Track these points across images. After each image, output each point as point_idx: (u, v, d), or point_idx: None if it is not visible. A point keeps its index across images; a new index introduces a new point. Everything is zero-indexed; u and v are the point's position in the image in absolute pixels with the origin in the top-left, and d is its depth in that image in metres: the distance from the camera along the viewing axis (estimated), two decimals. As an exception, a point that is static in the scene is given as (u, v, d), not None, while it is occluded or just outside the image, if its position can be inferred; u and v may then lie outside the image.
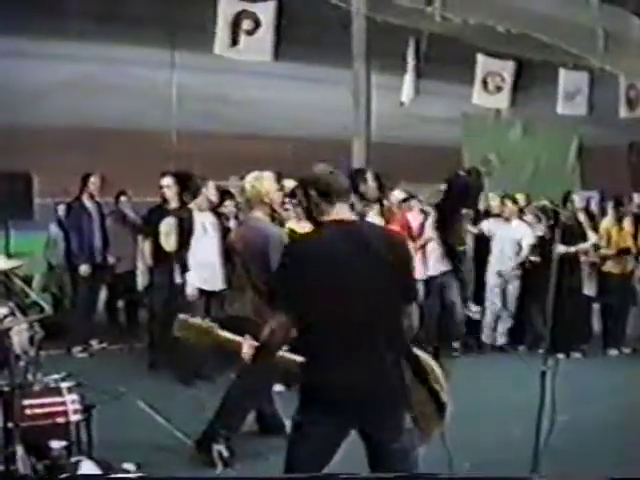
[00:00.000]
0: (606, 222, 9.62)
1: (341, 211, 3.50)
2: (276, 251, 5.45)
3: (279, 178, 8.34)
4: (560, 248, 8.91)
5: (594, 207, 11.92)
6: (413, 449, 3.50)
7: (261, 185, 5.65)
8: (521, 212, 9.69)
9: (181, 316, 3.79)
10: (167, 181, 8.19)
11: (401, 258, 3.51)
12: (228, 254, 6.01)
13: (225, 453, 5.45)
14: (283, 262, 3.49)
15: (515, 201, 9.79)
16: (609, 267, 9.33)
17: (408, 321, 3.54)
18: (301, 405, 3.48)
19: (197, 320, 3.79)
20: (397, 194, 8.82)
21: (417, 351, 3.56)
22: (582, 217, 9.54)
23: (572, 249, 8.95)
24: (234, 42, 11.17)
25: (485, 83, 13.55)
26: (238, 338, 3.64)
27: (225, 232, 8.14)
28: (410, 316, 3.57)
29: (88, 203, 9.01)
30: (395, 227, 8.28)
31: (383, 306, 3.41)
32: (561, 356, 7.97)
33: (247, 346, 3.56)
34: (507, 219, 9.54)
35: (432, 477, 3.33)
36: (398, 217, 8.56)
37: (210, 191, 8.19)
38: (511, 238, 9.40)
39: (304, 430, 3.47)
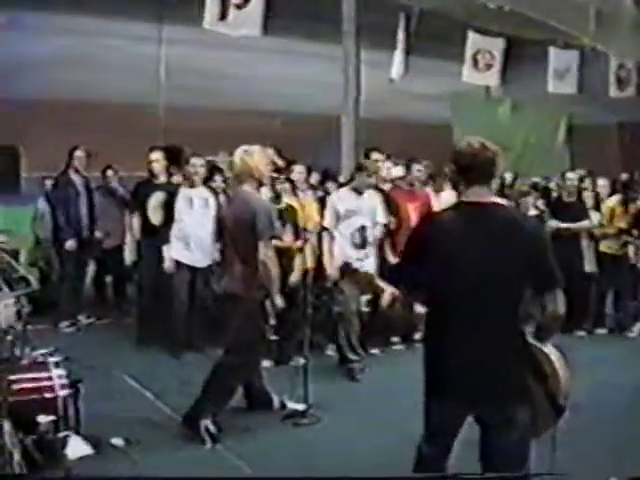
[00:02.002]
0: (611, 201, 9.58)
1: (480, 192, 3.43)
2: (264, 224, 5.45)
3: (279, 153, 8.38)
4: (552, 223, 8.96)
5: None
6: (525, 443, 3.47)
7: (251, 159, 5.61)
8: (502, 191, 9.62)
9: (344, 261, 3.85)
10: (156, 155, 8.15)
11: (536, 244, 3.41)
12: (220, 230, 5.90)
13: (212, 429, 5.45)
14: (410, 238, 3.52)
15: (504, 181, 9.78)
16: (604, 247, 9.31)
17: (553, 307, 3.40)
18: (425, 388, 3.52)
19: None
20: (395, 171, 8.72)
21: (546, 347, 3.45)
22: (588, 196, 9.50)
23: (571, 226, 8.97)
24: (223, 16, 11.05)
25: (475, 61, 13.51)
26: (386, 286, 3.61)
27: (217, 208, 8.13)
28: (555, 303, 3.40)
29: (75, 177, 8.92)
30: (416, 204, 8.26)
31: (509, 292, 3.35)
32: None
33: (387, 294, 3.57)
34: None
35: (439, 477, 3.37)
36: (419, 194, 8.45)
37: (195, 166, 8.09)
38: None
39: (429, 410, 3.52)
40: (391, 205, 8.00)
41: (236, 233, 5.56)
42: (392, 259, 7.59)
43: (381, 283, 3.62)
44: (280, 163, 7.81)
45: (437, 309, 3.41)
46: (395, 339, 8.15)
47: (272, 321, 5.70)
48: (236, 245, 5.57)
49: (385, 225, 7.72)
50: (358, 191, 7.39)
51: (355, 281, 3.61)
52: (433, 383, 3.48)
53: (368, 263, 7.18)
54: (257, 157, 5.66)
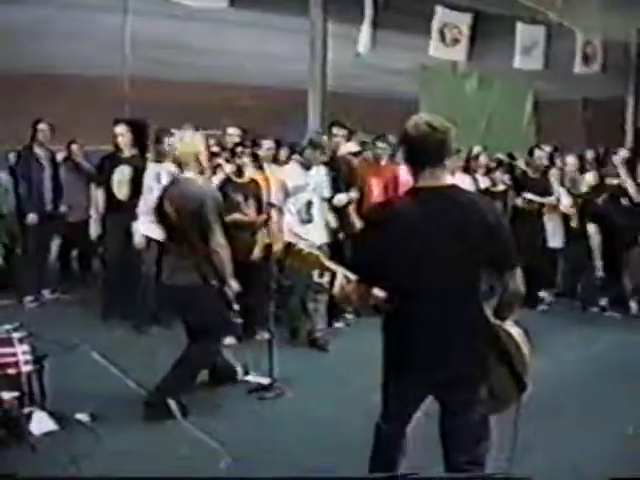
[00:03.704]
0: (588, 177, 9.67)
1: (433, 174, 3.36)
2: (212, 213, 5.39)
3: (244, 132, 8.36)
4: (527, 195, 9.04)
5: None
6: (486, 422, 3.51)
7: (194, 146, 5.56)
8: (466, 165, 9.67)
9: (289, 240, 3.77)
10: (120, 129, 8.10)
11: (493, 225, 3.36)
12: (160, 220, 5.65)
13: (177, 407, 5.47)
14: (365, 226, 3.51)
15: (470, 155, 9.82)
16: (573, 223, 9.40)
17: (513, 285, 3.40)
18: (385, 364, 3.53)
19: (305, 248, 3.67)
20: (350, 146, 8.72)
21: (507, 326, 3.47)
22: (553, 172, 9.59)
23: (544, 200, 9.07)
24: (189, -13, 10.91)
25: (442, 35, 13.48)
26: (337, 267, 3.50)
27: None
28: (515, 282, 3.40)
29: (38, 151, 8.82)
30: (379, 179, 8.28)
31: (465, 274, 3.35)
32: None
33: (340, 275, 3.43)
34: (451, 172, 9.59)
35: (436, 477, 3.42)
36: (385, 169, 8.45)
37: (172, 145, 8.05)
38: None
39: (388, 385, 3.54)
40: (356, 178, 8.04)
41: (183, 223, 5.40)
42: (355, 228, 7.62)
43: (330, 264, 3.53)
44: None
45: (397, 294, 3.37)
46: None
47: (235, 306, 5.65)
48: (184, 235, 5.43)
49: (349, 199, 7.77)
50: (306, 166, 7.38)
51: (299, 260, 3.57)
52: (392, 365, 3.49)
53: (313, 237, 7.21)
54: (199, 143, 5.62)
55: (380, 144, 8.41)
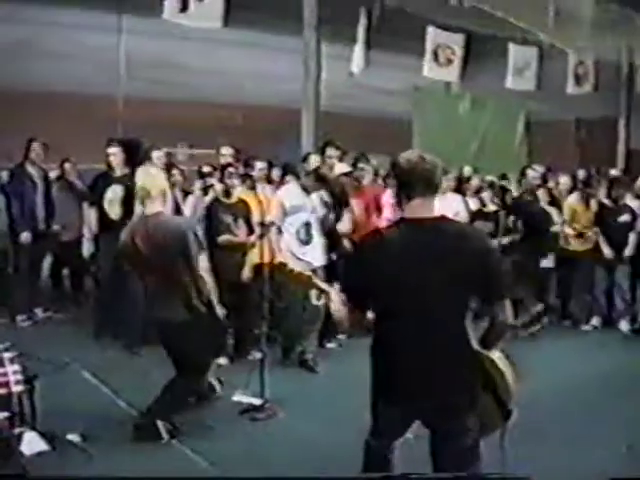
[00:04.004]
0: (571, 199, 9.67)
1: (422, 205, 3.41)
2: (195, 242, 5.35)
3: (237, 152, 8.37)
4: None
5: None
6: (475, 447, 3.50)
7: (154, 180, 5.50)
8: (458, 187, 9.69)
9: (279, 260, 3.79)
10: (113, 149, 8.11)
11: (484, 257, 3.38)
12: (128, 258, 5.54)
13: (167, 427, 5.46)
14: (354, 259, 3.56)
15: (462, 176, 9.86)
16: (574, 246, 9.41)
17: (503, 317, 3.42)
18: (372, 390, 3.56)
19: (295, 268, 3.80)
20: (341, 167, 8.68)
21: (492, 353, 3.47)
22: (541, 193, 9.60)
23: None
24: (184, 7, 10.97)
25: (436, 55, 13.57)
26: (329, 288, 3.61)
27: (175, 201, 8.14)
28: (504, 313, 3.42)
29: (31, 169, 8.82)
30: (360, 200, 8.26)
31: (452, 304, 3.36)
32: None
33: (335, 295, 3.53)
34: (443, 192, 9.63)
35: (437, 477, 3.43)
36: (366, 190, 8.44)
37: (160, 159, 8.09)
38: (445, 211, 9.38)
39: (376, 408, 3.57)
40: (348, 199, 8.03)
41: (162, 259, 5.29)
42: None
43: (322, 284, 3.62)
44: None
45: (385, 322, 3.42)
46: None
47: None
48: (162, 270, 5.32)
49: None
50: (305, 189, 7.40)
51: (290, 279, 3.59)
52: (379, 390, 3.53)
53: (312, 258, 7.24)
54: (158, 178, 5.55)
55: (361, 164, 8.37)
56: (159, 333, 5.57)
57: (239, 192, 7.59)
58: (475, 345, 3.44)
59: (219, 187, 7.52)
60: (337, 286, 3.54)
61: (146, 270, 5.43)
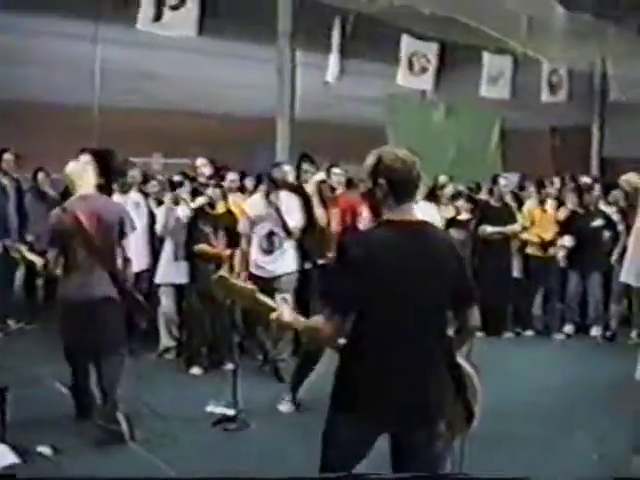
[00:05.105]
0: (529, 204, 9.77)
1: (408, 209, 3.32)
2: (130, 221, 5.82)
3: (212, 163, 8.38)
4: (487, 229, 9.11)
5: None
6: (444, 456, 3.43)
7: (85, 173, 5.84)
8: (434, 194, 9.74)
9: (220, 273, 3.71)
10: (84, 158, 8.06)
11: (458, 262, 3.37)
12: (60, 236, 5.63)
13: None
14: (340, 260, 3.27)
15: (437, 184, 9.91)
16: (531, 250, 9.51)
17: (473, 322, 3.42)
18: (335, 406, 3.34)
19: (237, 281, 3.71)
20: (317, 176, 8.65)
21: (460, 361, 3.45)
22: (509, 199, 9.67)
23: (502, 230, 9.13)
24: (158, 17, 10.96)
25: (410, 64, 13.62)
26: (273, 303, 3.53)
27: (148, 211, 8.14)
28: (473, 318, 3.41)
29: (3, 179, 8.79)
30: (335, 210, 8.21)
31: (435, 311, 3.30)
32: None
33: (285, 311, 3.43)
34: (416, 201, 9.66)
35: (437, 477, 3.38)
36: (341, 199, 8.40)
37: (134, 177, 8.13)
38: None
39: (336, 431, 3.35)
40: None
41: (99, 236, 5.56)
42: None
43: (265, 299, 3.51)
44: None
45: (365, 325, 3.25)
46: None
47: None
48: (96, 248, 5.56)
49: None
50: (269, 199, 7.42)
51: (231, 293, 3.58)
52: (347, 402, 3.30)
53: (275, 267, 7.27)
54: (90, 174, 5.89)
55: (335, 170, 8.34)
56: (84, 309, 5.59)
57: (230, 202, 7.69)
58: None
59: (203, 199, 7.54)
60: (280, 299, 3.48)
61: (85, 245, 5.56)
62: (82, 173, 5.78)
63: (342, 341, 3.30)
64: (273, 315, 3.44)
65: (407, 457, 3.38)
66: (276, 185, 7.42)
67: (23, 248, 6.35)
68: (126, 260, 5.75)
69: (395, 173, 3.26)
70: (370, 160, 3.33)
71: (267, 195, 7.43)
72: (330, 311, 3.21)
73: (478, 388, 3.49)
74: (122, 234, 5.71)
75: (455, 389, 3.42)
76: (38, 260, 5.82)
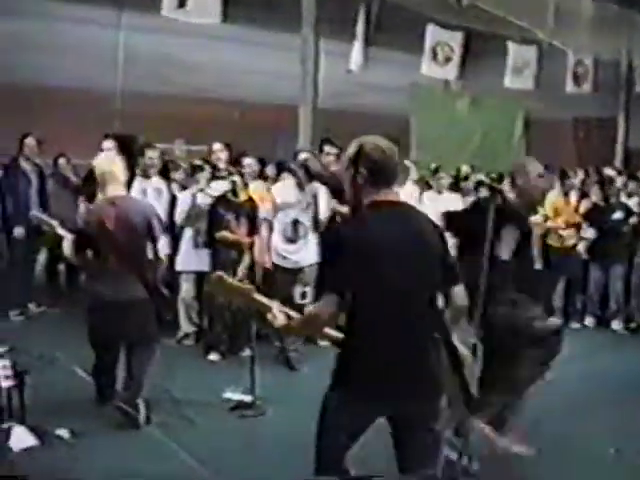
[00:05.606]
0: (552, 195, 9.69)
1: (389, 193, 3.40)
2: (160, 224, 5.69)
3: (229, 149, 8.34)
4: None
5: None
6: (442, 433, 3.48)
7: (115, 167, 5.64)
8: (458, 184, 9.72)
9: (218, 273, 3.72)
10: (107, 144, 8.11)
11: (442, 242, 3.47)
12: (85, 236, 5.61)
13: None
14: (334, 242, 3.36)
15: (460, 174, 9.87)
16: (551, 240, 9.44)
17: (461, 301, 3.49)
18: (335, 385, 3.41)
19: (234, 281, 3.75)
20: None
21: (455, 341, 3.49)
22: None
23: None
24: (182, 3, 10.97)
25: (434, 53, 13.54)
26: (270, 303, 3.54)
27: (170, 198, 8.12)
28: (461, 297, 3.49)
29: (25, 165, 8.84)
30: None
31: (426, 287, 3.36)
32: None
33: (277, 311, 3.47)
34: (439, 191, 9.68)
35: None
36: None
37: (152, 158, 8.08)
38: (442, 210, 9.39)
39: (334, 411, 3.40)
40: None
41: (127, 242, 5.50)
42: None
43: (262, 299, 3.56)
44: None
45: (359, 309, 3.30)
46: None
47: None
48: (128, 249, 5.53)
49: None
50: (299, 185, 7.39)
51: (227, 292, 3.62)
52: (348, 383, 3.35)
53: (300, 258, 7.24)
54: (118, 164, 5.70)
55: (328, 148, 8.27)
56: (117, 311, 5.52)
57: (251, 190, 7.65)
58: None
59: (226, 185, 7.49)
60: (277, 304, 3.49)
61: (113, 250, 5.51)
62: (111, 165, 5.65)
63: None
64: (269, 316, 3.49)
65: (406, 436, 3.41)
66: (310, 175, 7.37)
67: (55, 223, 6.29)
68: (157, 259, 5.72)
69: (375, 162, 3.36)
70: (351, 149, 3.43)
71: (300, 184, 7.37)
72: (326, 291, 3.27)
73: (473, 368, 3.54)
74: (153, 238, 5.64)
75: (451, 365, 3.45)
76: (69, 236, 5.77)
